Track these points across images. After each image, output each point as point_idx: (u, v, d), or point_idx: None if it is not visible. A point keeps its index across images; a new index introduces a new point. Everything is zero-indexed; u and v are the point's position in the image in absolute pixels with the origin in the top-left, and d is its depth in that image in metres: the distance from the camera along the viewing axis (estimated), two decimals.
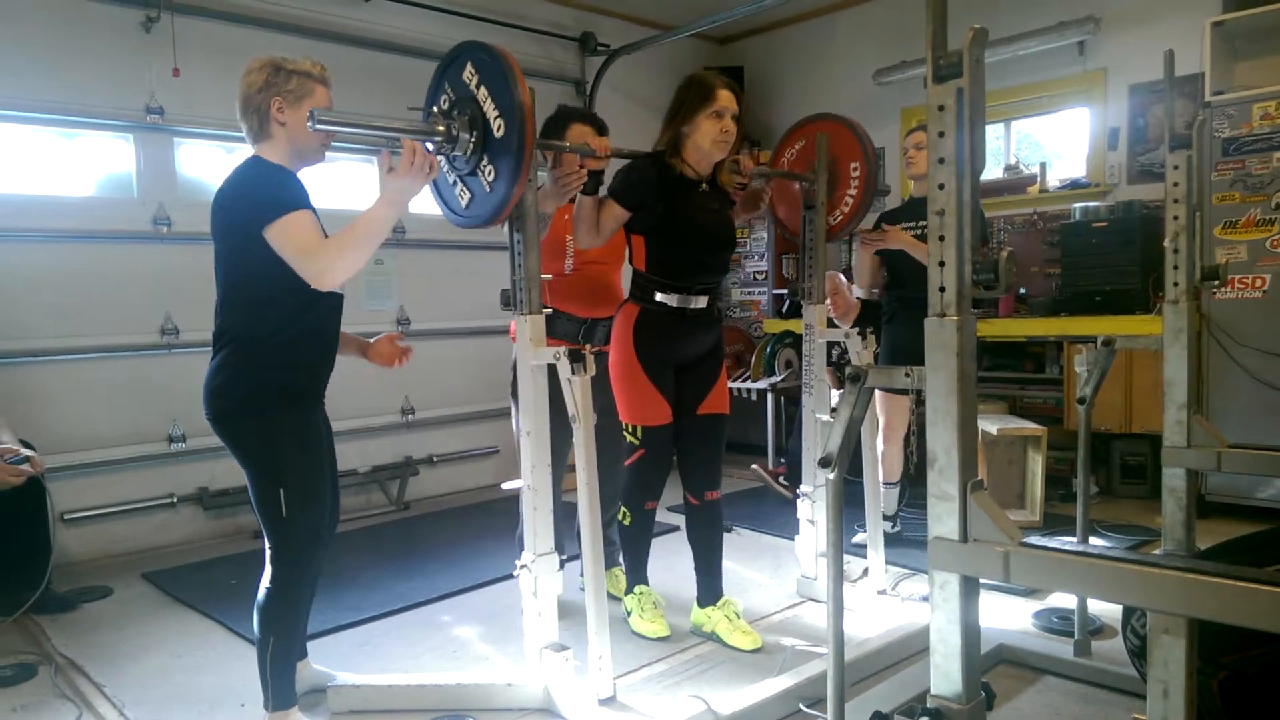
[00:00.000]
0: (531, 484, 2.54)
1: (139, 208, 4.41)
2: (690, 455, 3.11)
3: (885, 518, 4.14)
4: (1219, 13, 4.53)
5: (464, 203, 2.39)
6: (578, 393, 2.40)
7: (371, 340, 2.73)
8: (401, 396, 5.30)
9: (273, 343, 2.26)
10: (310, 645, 3.08)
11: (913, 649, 2.86)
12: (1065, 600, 3.16)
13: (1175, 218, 2.48)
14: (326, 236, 2.23)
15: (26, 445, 3.35)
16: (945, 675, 1.48)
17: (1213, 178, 4.35)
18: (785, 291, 6.23)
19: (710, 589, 3.11)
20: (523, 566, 2.55)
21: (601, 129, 3.20)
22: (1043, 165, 5.62)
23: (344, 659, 3.01)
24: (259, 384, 2.26)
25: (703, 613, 3.10)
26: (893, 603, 3.24)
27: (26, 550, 3.33)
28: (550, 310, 2.99)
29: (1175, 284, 2.52)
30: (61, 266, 4.19)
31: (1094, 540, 3.75)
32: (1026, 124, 6.03)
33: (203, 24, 4.56)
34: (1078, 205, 5.16)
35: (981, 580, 1.49)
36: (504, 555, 3.65)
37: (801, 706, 2.49)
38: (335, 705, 2.62)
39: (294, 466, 2.28)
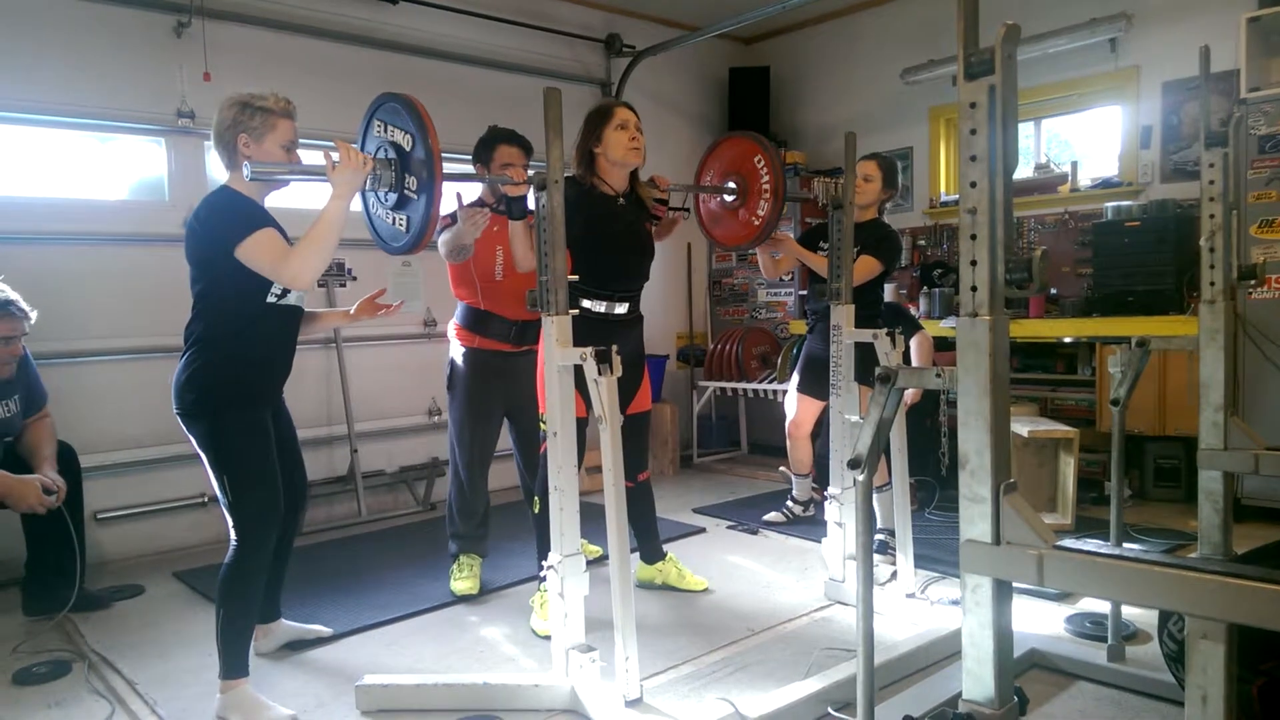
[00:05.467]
0: (558, 484, 2.54)
1: (171, 211, 4.46)
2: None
3: (798, 500, 4.61)
4: (1254, 8, 4.45)
5: (403, 228, 2.54)
6: (604, 393, 2.40)
7: (351, 310, 3.07)
8: (428, 398, 5.32)
9: (229, 347, 2.56)
10: (338, 644, 3.14)
11: (943, 653, 2.84)
12: (1099, 604, 3.11)
13: (1211, 216, 2.45)
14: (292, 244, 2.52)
15: (67, 447, 3.57)
16: (977, 679, 1.46)
17: (1249, 175, 4.28)
18: None
19: (654, 549, 3.62)
20: (549, 567, 2.55)
21: (528, 149, 3.52)
22: (1074, 164, 5.55)
23: (372, 658, 3.03)
24: (216, 382, 2.55)
25: (652, 568, 3.62)
26: (922, 606, 3.20)
27: (64, 552, 3.37)
28: (485, 312, 3.61)
29: (1211, 284, 2.48)
30: (95, 269, 4.26)
31: (1127, 545, 3.69)
32: (1057, 123, 5.97)
33: (233, 28, 4.62)
34: (1110, 204, 5.10)
35: (1014, 584, 1.47)
36: (529, 556, 3.66)
37: (830, 710, 2.47)
38: (364, 704, 2.63)
39: (240, 458, 2.56)
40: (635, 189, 3.31)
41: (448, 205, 3.11)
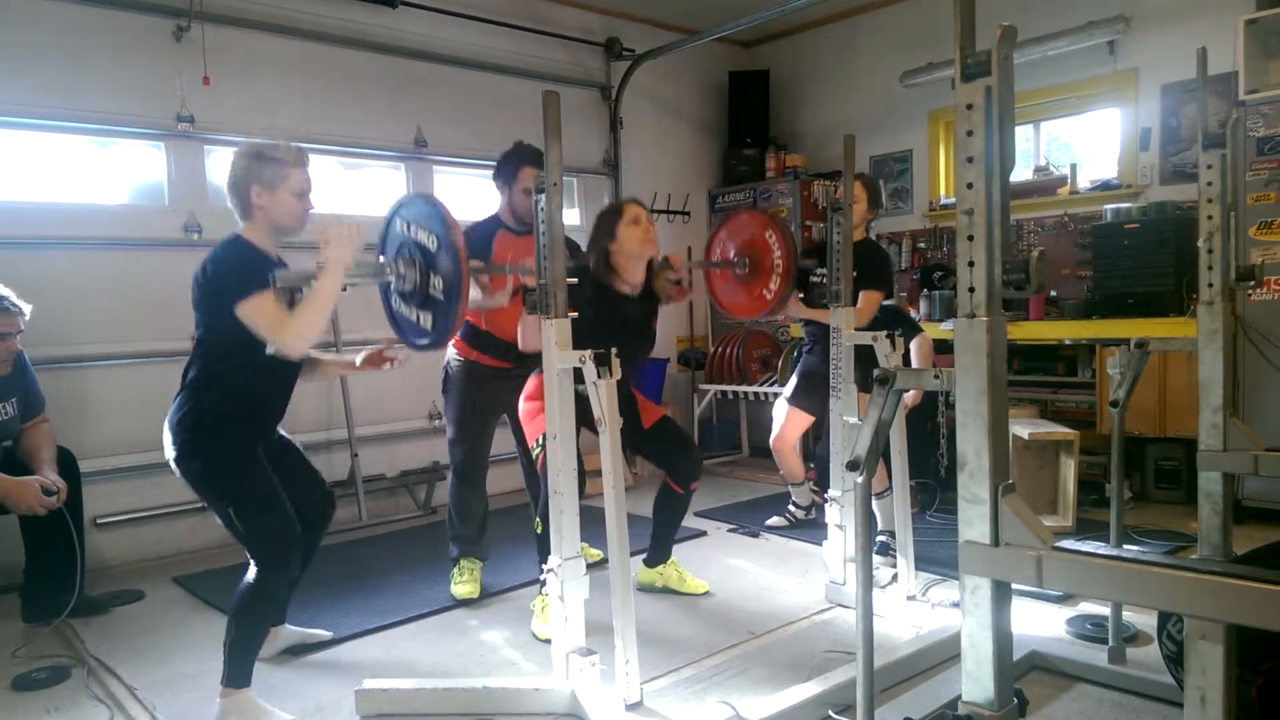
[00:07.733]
0: (557, 487, 2.54)
1: (171, 215, 4.47)
2: (670, 456, 3.48)
3: (799, 505, 4.60)
4: (1252, 10, 4.45)
5: (429, 325, 2.53)
6: (603, 396, 2.40)
7: (358, 362, 3.00)
8: (429, 402, 5.32)
9: (224, 389, 2.60)
10: (338, 648, 3.15)
11: (943, 655, 2.83)
12: (1100, 606, 3.11)
13: (1209, 217, 2.45)
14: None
15: (66, 452, 3.56)
16: (977, 681, 1.46)
17: (1247, 177, 4.28)
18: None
19: (663, 552, 3.60)
20: (549, 571, 2.55)
21: None
22: (1073, 166, 5.55)
23: (372, 662, 3.02)
24: (208, 416, 2.59)
25: (652, 571, 3.61)
26: (923, 608, 3.20)
27: (63, 558, 3.37)
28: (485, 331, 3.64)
29: (1210, 285, 2.48)
30: (95, 273, 4.26)
31: (1128, 546, 3.69)
32: (1056, 126, 5.97)
33: (232, 33, 4.62)
34: (1109, 206, 5.10)
35: (1014, 585, 1.47)
36: (529, 560, 3.66)
37: (830, 713, 2.46)
38: (363, 708, 2.63)
39: (241, 484, 2.60)
40: (651, 280, 3.34)
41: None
